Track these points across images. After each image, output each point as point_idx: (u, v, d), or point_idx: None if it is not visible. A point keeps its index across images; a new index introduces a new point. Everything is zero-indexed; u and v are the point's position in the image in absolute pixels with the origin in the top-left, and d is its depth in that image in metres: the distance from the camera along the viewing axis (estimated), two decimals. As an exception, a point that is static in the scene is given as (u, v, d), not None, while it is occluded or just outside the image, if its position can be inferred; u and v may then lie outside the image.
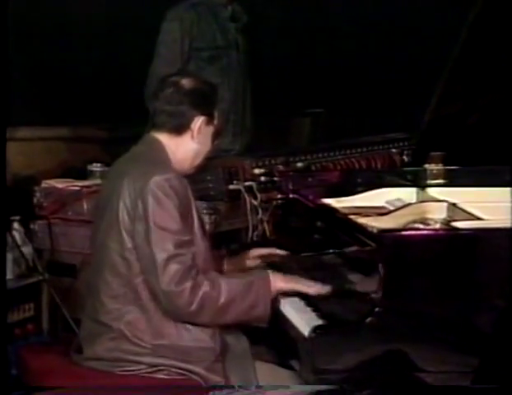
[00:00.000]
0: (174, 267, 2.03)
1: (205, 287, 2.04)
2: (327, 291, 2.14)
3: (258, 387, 2.10)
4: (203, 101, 2.18)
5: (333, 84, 4.15)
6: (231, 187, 2.79)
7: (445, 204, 2.34)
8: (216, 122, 2.22)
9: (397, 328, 1.97)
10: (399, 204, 2.43)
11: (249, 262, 2.36)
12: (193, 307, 2.03)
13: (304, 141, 4.25)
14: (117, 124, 3.65)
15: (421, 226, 2.22)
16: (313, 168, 2.91)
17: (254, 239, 2.72)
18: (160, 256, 2.02)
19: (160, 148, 2.16)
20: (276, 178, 2.77)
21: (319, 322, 2.06)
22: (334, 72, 4.14)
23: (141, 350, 2.07)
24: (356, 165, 3.03)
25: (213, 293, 2.05)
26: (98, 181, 2.95)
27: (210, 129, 2.21)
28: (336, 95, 4.14)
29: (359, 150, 3.11)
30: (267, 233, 2.70)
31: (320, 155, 3.01)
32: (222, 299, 2.05)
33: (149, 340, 2.07)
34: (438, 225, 2.23)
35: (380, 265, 1.99)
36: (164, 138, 2.18)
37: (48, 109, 3.47)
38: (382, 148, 3.17)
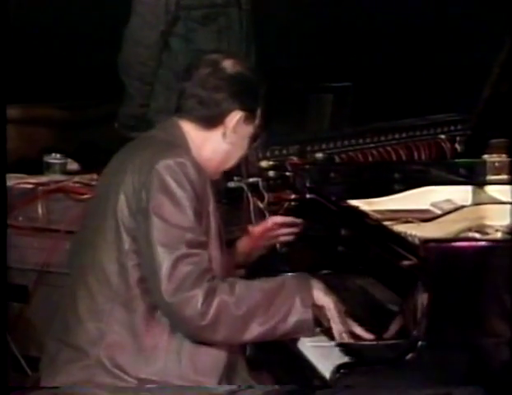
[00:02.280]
0: (184, 270, 2.05)
1: (221, 293, 2.07)
2: (370, 338, 2.13)
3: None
4: (246, 92, 2.20)
5: (364, 49, 4.18)
6: (231, 184, 2.81)
7: (509, 207, 2.36)
8: (257, 121, 2.24)
9: (446, 367, 1.99)
10: (449, 207, 2.45)
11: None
12: (207, 319, 2.05)
13: (325, 124, 4.27)
14: (82, 102, 3.68)
15: (477, 236, 2.24)
16: (336, 160, 2.93)
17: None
18: (167, 256, 2.05)
19: (179, 134, 2.19)
20: (288, 174, 2.80)
21: (344, 359, 2.08)
22: (365, 34, 4.16)
23: (123, 385, 2.07)
24: (394, 156, 3.05)
25: (231, 299, 2.07)
26: (58, 176, 2.98)
27: (248, 129, 2.23)
28: (367, 65, 4.17)
29: (397, 136, 3.14)
30: (277, 244, 2.72)
31: (346, 142, 3.03)
32: (244, 308, 2.07)
33: (134, 372, 2.08)
34: (499, 235, 2.25)
35: (424, 285, 2.01)
36: (188, 127, 2.20)
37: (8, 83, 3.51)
38: (427, 134, 3.20)
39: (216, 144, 2.21)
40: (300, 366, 2.16)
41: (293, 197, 2.71)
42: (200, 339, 2.10)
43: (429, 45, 4.13)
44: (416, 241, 2.10)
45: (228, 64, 2.20)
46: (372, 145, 3.06)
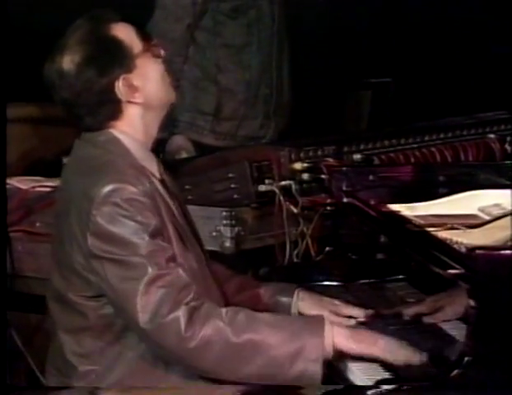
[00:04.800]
0: (157, 294, 2.04)
1: (213, 316, 2.05)
2: (420, 361, 2.06)
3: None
4: (104, 63, 2.16)
5: (405, 42, 4.16)
6: (262, 188, 2.82)
7: None
8: (136, 52, 2.17)
9: (493, 385, 1.98)
10: (498, 212, 2.43)
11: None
12: (195, 342, 2.02)
13: (363, 123, 4.26)
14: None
15: (528, 243, 2.22)
16: (376, 161, 2.92)
17: (294, 260, 2.74)
18: (134, 288, 2.05)
19: (109, 140, 2.19)
20: (323, 176, 2.79)
21: (384, 375, 2.08)
22: (406, 25, 4.14)
23: None
24: (438, 158, 3.04)
25: (228, 325, 2.04)
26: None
27: (140, 69, 2.18)
28: (408, 58, 4.15)
29: (442, 135, 3.12)
30: (312, 252, 2.72)
31: (386, 142, 3.02)
32: (243, 337, 2.03)
33: None
34: (553, 242, 2.23)
35: (471, 297, 1.99)
36: (110, 129, 2.20)
37: (8, 83, 3.54)
38: (475, 133, 3.17)
39: (138, 113, 2.18)
40: (334, 381, 2.16)
41: (329, 201, 2.70)
42: (187, 365, 2.08)
43: (476, 36, 4.11)
44: (463, 249, 2.09)
45: (67, 65, 2.15)
46: (414, 145, 3.04)
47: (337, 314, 2.28)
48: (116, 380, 2.13)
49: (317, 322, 2.09)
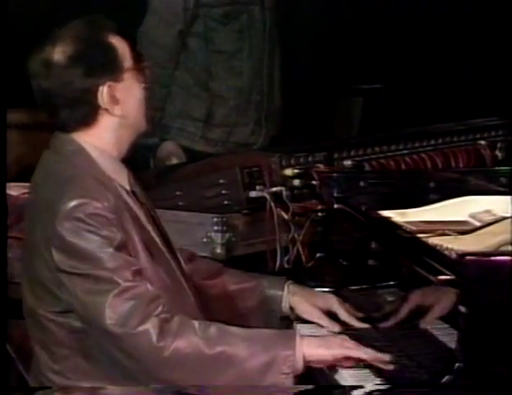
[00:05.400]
0: (125, 305, 2.04)
1: (186, 329, 2.04)
2: (387, 362, 2.09)
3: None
4: (94, 63, 2.15)
5: (396, 48, 4.17)
6: (253, 194, 2.82)
7: (554, 218, 2.35)
8: (126, 65, 2.18)
9: (484, 390, 1.98)
10: (489, 219, 2.43)
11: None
12: (167, 352, 2.01)
13: (354, 129, 4.27)
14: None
15: (519, 249, 2.23)
16: (366, 167, 2.92)
17: (285, 266, 2.74)
18: (100, 300, 2.04)
19: (75, 152, 2.17)
20: (314, 182, 2.79)
21: (375, 381, 2.08)
22: (397, 32, 4.16)
23: None
24: (429, 164, 3.04)
25: (201, 338, 2.03)
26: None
27: (126, 83, 2.18)
28: (400, 65, 4.16)
29: (432, 142, 3.12)
30: (303, 258, 2.72)
31: (377, 149, 3.02)
32: (217, 349, 2.02)
33: None
34: (544, 248, 2.24)
35: (461, 303, 1.99)
36: (79, 136, 2.19)
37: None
38: (465, 139, 3.18)
39: (112, 126, 2.18)
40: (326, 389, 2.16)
41: (320, 207, 2.70)
42: (159, 378, 2.05)
43: (467, 44, 4.12)
44: (453, 255, 2.09)
45: (58, 55, 2.14)
46: (405, 151, 3.04)
47: (328, 311, 2.30)
48: None
49: (288, 336, 2.10)
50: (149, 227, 2.21)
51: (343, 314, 2.31)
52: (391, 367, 2.07)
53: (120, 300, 2.04)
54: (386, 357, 2.09)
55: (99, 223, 2.08)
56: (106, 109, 2.17)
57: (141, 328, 2.03)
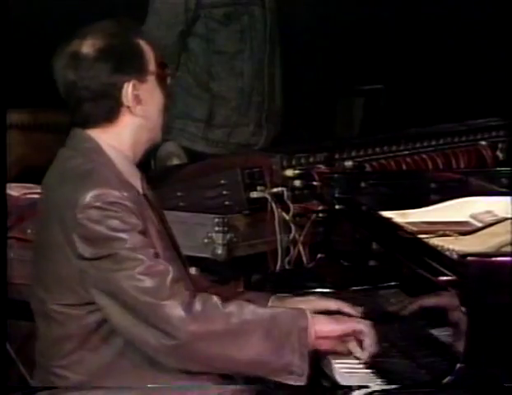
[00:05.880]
0: (150, 282, 2.08)
1: (209, 301, 2.09)
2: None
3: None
4: (122, 60, 2.18)
5: (397, 49, 4.17)
6: (254, 194, 2.82)
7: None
8: (151, 67, 2.22)
9: (486, 391, 1.98)
10: (490, 219, 2.43)
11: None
12: (196, 325, 2.06)
13: (355, 130, 4.27)
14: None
15: (520, 250, 2.23)
16: (367, 168, 2.93)
17: (286, 266, 2.74)
18: (127, 276, 2.07)
19: (92, 149, 2.19)
20: (315, 183, 2.80)
21: (376, 382, 2.08)
22: (398, 32, 4.16)
23: None
24: (430, 164, 3.04)
25: (222, 310, 2.09)
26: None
27: (149, 85, 2.22)
28: (401, 66, 4.16)
29: (433, 142, 3.13)
30: (304, 259, 2.72)
31: (378, 149, 3.03)
32: (235, 323, 2.08)
33: None
34: (545, 249, 2.24)
35: (462, 304, 1.99)
36: (97, 134, 2.21)
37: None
38: (466, 140, 3.18)
39: (131, 126, 2.21)
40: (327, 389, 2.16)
41: (320, 208, 2.71)
42: (188, 357, 2.09)
43: (468, 44, 4.12)
44: (455, 256, 2.09)
45: (87, 48, 2.17)
46: (406, 152, 3.05)
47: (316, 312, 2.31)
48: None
49: (300, 313, 2.15)
50: (161, 230, 2.23)
51: (334, 305, 2.31)
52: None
53: (146, 276, 2.08)
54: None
55: (119, 209, 2.10)
56: (128, 107, 2.19)
57: (169, 302, 2.07)
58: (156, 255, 2.13)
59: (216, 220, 2.73)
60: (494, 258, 2.07)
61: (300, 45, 3.99)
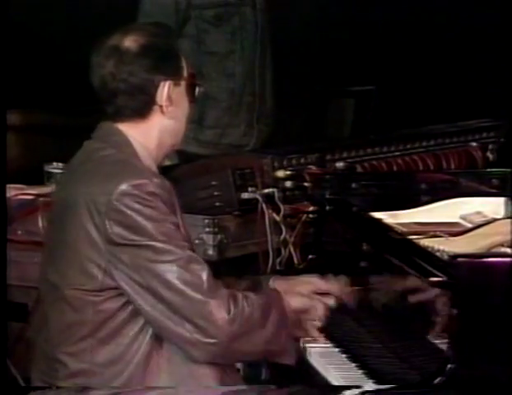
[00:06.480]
0: (194, 278, 2.12)
1: (241, 299, 2.16)
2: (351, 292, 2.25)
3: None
4: (161, 60, 2.23)
5: (388, 50, 4.18)
6: (245, 195, 2.82)
7: (545, 220, 2.35)
8: (185, 73, 2.27)
9: (477, 392, 1.99)
10: (480, 220, 2.44)
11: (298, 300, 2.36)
12: (236, 325, 2.12)
13: (346, 131, 4.28)
14: (84, 108, 3.70)
15: (509, 251, 2.23)
16: (358, 169, 2.93)
17: (277, 267, 2.74)
18: (169, 269, 2.11)
19: (122, 142, 2.23)
20: (306, 184, 2.80)
21: (368, 383, 2.09)
22: (389, 34, 4.17)
23: None
24: (420, 165, 3.05)
25: (249, 307, 2.16)
26: (59, 187, 2.99)
27: (181, 89, 2.27)
28: (392, 67, 4.17)
29: (424, 143, 3.13)
30: (295, 259, 2.73)
31: (369, 150, 3.03)
32: (256, 317, 2.16)
33: None
34: (534, 250, 2.25)
35: (453, 304, 2.00)
36: (128, 128, 2.24)
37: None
38: (457, 141, 3.19)
39: (160, 126, 2.25)
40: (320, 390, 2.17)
41: (311, 209, 2.71)
42: (221, 355, 2.14)
43: (458, 46, 4.13)
44: (445, 257, 2.11)
45: (129, 43, 2.21)
46: (397, 153, 3.05)
47: (317, 292, 2.36)
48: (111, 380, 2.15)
49: (275, 294, 2.26)
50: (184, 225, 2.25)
51: (331, 287, 2.37)
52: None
53: (188, 270, 2.11)
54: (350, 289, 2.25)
55: (156, 200, 2.13)
56: (161, 107, 2.23)
57: (213, 300, 2.12)
58: (191, 249, 2.16)
59: (207, 221, 2.74)
60: (484, 259, 2.09)
61: (291, 46, 4.00)
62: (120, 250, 2.12)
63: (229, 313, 2.11)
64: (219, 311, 2.11)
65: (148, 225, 2.12)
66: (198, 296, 2.11)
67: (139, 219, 2.12)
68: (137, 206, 2.12)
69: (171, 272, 2.11)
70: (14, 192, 3.01)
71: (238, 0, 3.43)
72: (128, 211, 2.12)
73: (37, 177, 3.10)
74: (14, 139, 3.61)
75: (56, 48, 3.82)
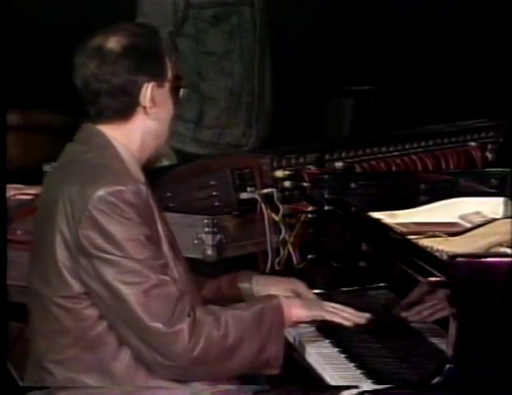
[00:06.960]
0: (156, 305, 2.07)
1: (207, 326, 2.10)
2: (366, 320, 2.20)
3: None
4: (144, 61, 2.20)
5: (387, 50, 4.18)
6: (244, 195, 2.82)
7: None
8: (169, 74, 2.25)
9: (476, 392, 1.99)
10: (479, 220, 2.44)
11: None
12: (196, 352, 2.08)
13: (345, 131, 4.28)
14: (83, 108, 3.71)
15: (509, 251, 2.23)
16: (357, 169, 2.94)
17: (276, 267, 2.75)
18: (131, 292, 2.07)
19: (103, 144, 2.20)
20: (305, 184, 2.80)
21: (367, 383, 2.09)
22: (388, 34, 4.17)
23: None
24: (419, 165, 3.05)
25: (219, 331, 2.11)
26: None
27: (165, 91, 2.25)
28: (390, 67, 4.17)
29: (423, 143, 3.14)
30: (294, 259, 2.73)
31: (368, 150, 3.03)
32: (231, 339, 2.11)
33: None
34: (533, 250, 2.25)
35: (452, 304, 2.01)
36: (108, 130, 2.22)
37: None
38: (456, 141, 3.19)
39: (143, 127, 2.22)
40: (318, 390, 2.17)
41: (310, 209, 2.71)
42: (184, 375, 2.12)
43: (457, 46, 4.14)
44: (444, 257, 2.11)
45: (113, 44, 2.18)
46: (396, 153, 3.06)
47: (296, 292, 2.37)
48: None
49: (274, 302, 2.21)
50: (166, 232, 2.23)
51: (309, 293, 2.37)
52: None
53: (151, 296, 2.07)
54: (364, 316, 2.20)
55: (133, 211, 2.10)
56: (144, 108, 2.21)
57: (177, 327, 2.07)
58: (163, 266, 2.12)
59: (206, 221, 2.74)
60: (483, 259, 2.08)
61: (290, 46, 4.00)
62: (88, 260, 2.10)
63: (189, 342, 2.07)
64: (177, 341, 2.07)
65: (119, 236, 2.08)
66: (157, 325, 2.07)
67: (112, 229, 2.08)
68: (111, 214, 2.08)
69: (133, 296, 2.06)
70: (13, 191, 3.01)
71: (236, 0, 3.43)
72: (102, 220, 2.08)
73: (36, 177, 3.09)
74: (14, 139, 3.60)
75: (56, 48, 3.81)
